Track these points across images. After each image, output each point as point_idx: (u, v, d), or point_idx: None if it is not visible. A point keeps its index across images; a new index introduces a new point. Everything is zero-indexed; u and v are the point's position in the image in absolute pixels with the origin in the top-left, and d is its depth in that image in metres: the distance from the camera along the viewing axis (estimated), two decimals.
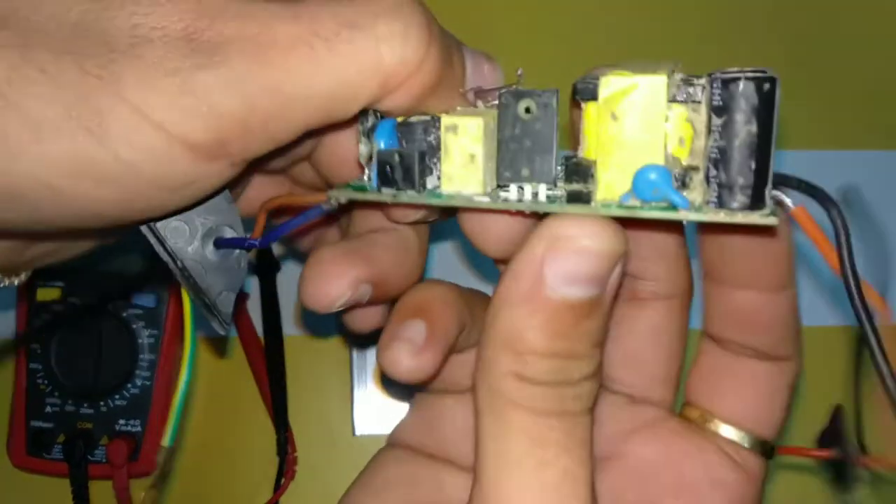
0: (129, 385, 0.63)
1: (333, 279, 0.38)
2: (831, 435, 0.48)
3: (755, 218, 0.30)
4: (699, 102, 0.31)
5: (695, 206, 0.31)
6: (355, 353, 0.69)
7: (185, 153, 0.30)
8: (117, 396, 0.63)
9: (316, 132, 0.34)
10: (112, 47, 0.30)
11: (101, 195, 0.31)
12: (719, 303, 0.41)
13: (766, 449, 0.42)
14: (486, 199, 0.33)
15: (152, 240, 0.37)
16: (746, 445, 0.41)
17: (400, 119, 0.34)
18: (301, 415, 0.67)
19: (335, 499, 0.41)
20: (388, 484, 0.42)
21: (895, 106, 0.71)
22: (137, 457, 0.62)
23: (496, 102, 0.34)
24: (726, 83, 0.30)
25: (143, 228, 0.36)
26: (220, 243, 0.39)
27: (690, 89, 0.31)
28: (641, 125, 0.31)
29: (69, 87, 0.29)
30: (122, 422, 0.63)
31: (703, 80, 0.31)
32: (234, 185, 0.39)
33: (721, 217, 0.31)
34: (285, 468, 0.64)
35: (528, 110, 0.32)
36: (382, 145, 0.34)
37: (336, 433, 0.69)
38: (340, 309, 0.39)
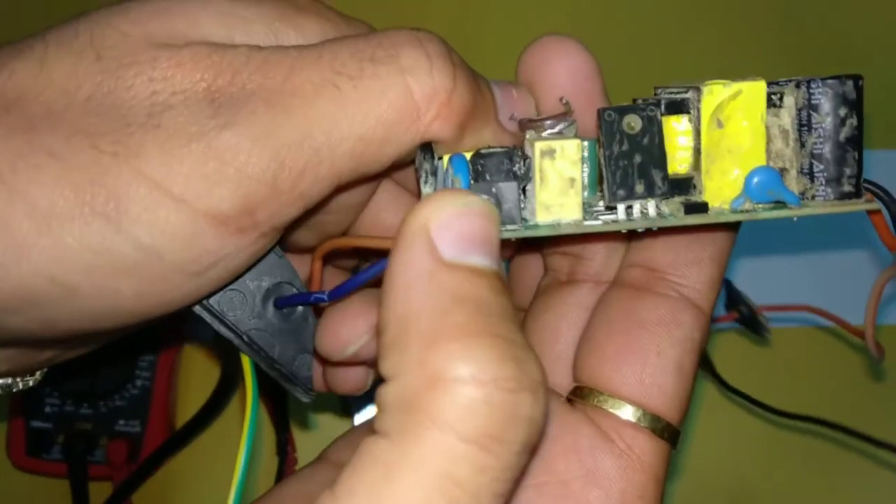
0: (129, 385, 0.61)
1: (347, 329, 0.35)
2: (732, 301, 0.58)
3: (863, 205, 0.32)
4: (779, 107, 0.32)
5: (804, 203, 0.32)
6: None
7: (210, 227, 0.28)
8: (117, 397, 0.61)
9: (348, 195, 0.32)
10: (129, 120, 0.28)
11: (120, 288, 0.28)
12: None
13: (666, 430, 0.33)
14: (597, 223, 0.31)
15: (208, 318, 0.33)
16: (643, 424, 0.33)
17: (469, 154, 0.31)
18: (300, 415, 0.66)
19: None
20: (283, 499, 0.37)
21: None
22: (137, 458, 0.61)
23: (553, 132, 0.33)
24: (827, 82, 0.31)
25: (197, 308, 0.33)
26: (282, 303, 0.35)
27: (773, 96, 0.31)
28: (747, 129, 0.31)
29: (80, 170, 0.27)
30: (121, 422, 0.61)
31: (783, 88, 0.32)
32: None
33: (831, 209, 0.31)
34: (285, 469, 0.63)
35: (630, 126, 0.30)
36: (462, 180, 0.31)
37: (336, 434, 0.67)
38: (353, 356, 0.36)
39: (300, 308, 0.36)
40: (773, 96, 0.31)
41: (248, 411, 0.34)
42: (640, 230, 0.31)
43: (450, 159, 0.31)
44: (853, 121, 0.31)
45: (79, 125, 0.27)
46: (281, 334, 0.35)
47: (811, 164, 0.31)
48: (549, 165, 0.31)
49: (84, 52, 0.29)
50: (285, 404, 0.63)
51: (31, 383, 0.37)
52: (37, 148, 0.27)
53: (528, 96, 0.36)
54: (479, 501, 0.25)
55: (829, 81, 0.31)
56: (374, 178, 0.32)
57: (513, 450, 0.25)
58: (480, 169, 0.31)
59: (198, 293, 0.31)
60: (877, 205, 0.32)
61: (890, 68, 0.69)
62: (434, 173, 0.32)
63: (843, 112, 0.31)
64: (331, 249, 0.35)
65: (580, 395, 0.34)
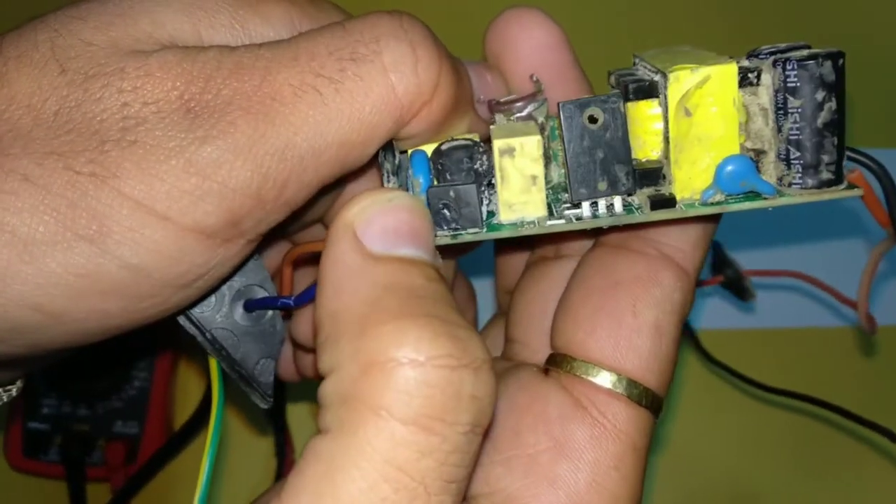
0: (126, 386, 0.61)
1: None
2: (719, 264, 0.56)
3: (843, 192, 0.30)
4: (756, 85, 0.30)
5: (780, 190, 0.30)
6: None
7: (197, 242, 0.27)
8: (114, 398, 0.61)
9: (329, 187, 0.30)
10: (102, 136, 0.27)
11: (107, 309, 0.28)
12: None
13: (644, 396, 0.31)
14: (560, 222, 0.30)
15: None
16: (618, 391, 0.31)
17: (427, 148, 0.31)
18: (298, 416, 0.65)
19: None
20: None
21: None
22: (135, 459, 0.60)
23: (522, 114, 0.32)
24: (803, 64, 0.29)
25: None
26: (251, 305, 0.34)
27: (749, 74, 0.30)
28: (717, 116, 0.29)
29: (59, 193, 0.26)
30: (119, 423, 0.61)
31: (761, 63, 0.30)
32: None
33: (808, 197, 0.30)
34: (284, 469, 0.62)
35: (592, 119, 0.29)
36: (422, 182, 0.30)
37: None
38: None
39: (270, 313, 0.35)
40: (749, 74, 0.29)
41: (213, 412, 0.34)
42: (605, 227, 0.30)
43: (410, 159, 0.30)
44: (832, 104, 0.29)
45: (50, 145, 0.26)
46: (246, 337, 0.35)
47: (787, 150, 0.29)
48: (508, 164, 0.30)
49: (46, 65, 0.28)
50: (283, 405, 0.63)
51: (14, 393, 0.36)
52: (8, 172, 0.26)
53: (500, 78, 0.35)
54: (428, 487, 0.24)
55: (806, 63, 0.28)
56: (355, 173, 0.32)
57: (458, 430, 0.25)
58: (441, 168, 0.30)
59: (186, 303, 0.30)
60: (857, 192, 0.30)
61: (890, 68, 0.68)
62: (396, 172, 0.31)
63: (820, 96, 0.29)
64: (300, 255, 0.35)
65: (554, 362, 0.33)
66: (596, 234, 0.34)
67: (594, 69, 0.36)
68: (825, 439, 0.63)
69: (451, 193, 0.29)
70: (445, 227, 0.30)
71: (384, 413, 0.24)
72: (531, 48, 0.35)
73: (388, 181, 0.31)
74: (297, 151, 0.27)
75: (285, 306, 0.34)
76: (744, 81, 0.29)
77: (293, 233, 0.39)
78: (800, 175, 0.29)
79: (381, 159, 0.31)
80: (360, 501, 0.24)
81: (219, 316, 0.34)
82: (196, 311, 0.33)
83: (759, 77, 0.30)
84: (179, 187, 0.26)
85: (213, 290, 0.33)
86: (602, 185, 0.29)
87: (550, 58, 0.35)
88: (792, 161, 0.29)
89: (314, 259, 0.35)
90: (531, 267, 0.38)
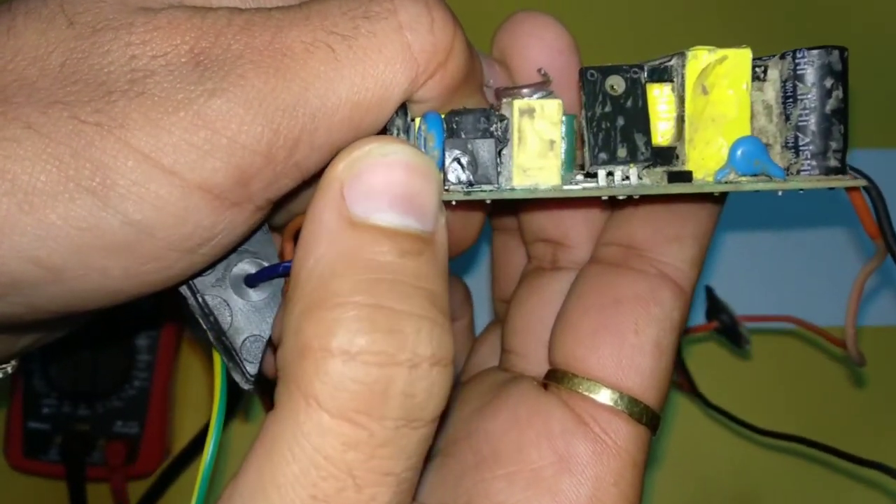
0: (127, 386, 0.61)
1: None
2: (713, 310, 0.56)
3: (848, 182, 0.31)
4: (763, 80, 0.31)
5: (790, 175, 0.31)
6: None
7: (204, 201, 0.26)
8: (115, 397, 0.61)
9: None
10: (109, 87, 0.26)
11: (109, 268, 0.27)
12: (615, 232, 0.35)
13: (644, 414, 0.32)
14: (576, 188, 0.30)
15: None
16: (620, 408, 0.32)
17: (442, 113, 0.30)
18: None
19: None
20: None
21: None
22: (135, 459, 0.60)
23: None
24: (812, 51, 0.30)
25: None
26: (253, 279, 0.33)
27: (756, 69, 0.31)
28: (732, 98, 0.30)
29: (62, 142, 0.25)
30: (119, 423, 0.61)
31: (768, 60, 0.31)
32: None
33: (816, 183, 0.30)
34: None
35: (613, 88, 0.30)
36: (436, 136, 0.29)
37: None
38: None
39: (269, 293, 0.34)
40: (756, 69, 0.31)
41: (216, 402, 0.34)
42: (620, 198, 0.31)
43: (423, 117, 0.30)
44: (839, 93, 0.30)
45: (55, 94, 0.26)
46: (240, 310, 0.33)
47: (796, 137, 0.30)
48: (528, 125, 0.30)
49: (54, 18, 0.27)
50: None
51: (9, 370, 0.35)
52: (11, 120, 0.25)
53: (508, 72, 0.35)
54: (357, 479, 0.24)
55: (815, 51, 0.30)
56: None
57: (387, 425, 0.25)
58: (455, 127, 0.30)
59: (190, 271, 0.29)
60: (861, 182, 0.31)
61: (890, 68, 0.69)
62: (406, 130, 0.30)
63: (828, 83, 0.30)
64: (300, 227, 0.34)
65: (555, 378, 0.33)
66: (612, 205, 0.35)
67: None
68: (825, 478, 0.64)
69: (469, 146, 0.29)
70: (458, 183, 0.30)
71: (313, 402, 0.24)
72: (540, 49, 0.35)
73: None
74: (308, 108, 0.27)
75: (287, 271, 0.32)
76: (752, 76, 0.30)
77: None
78: (808, 161, 0.30)
79: (391, 122, 0.30)
80: (293, 485, 0.24)
81: (214, 282, 0.33)
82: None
83: (765, 72, 0.31)
84: (188, 140, 0.26)
85: (219, 259, 0.31)
86: (622, 153, 0.30)
87: (559, 61, 0.35)
88: (801, 148, 0.30)
89: None
90: (528, 277, 0.38)
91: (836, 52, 0.30)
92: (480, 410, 0.34)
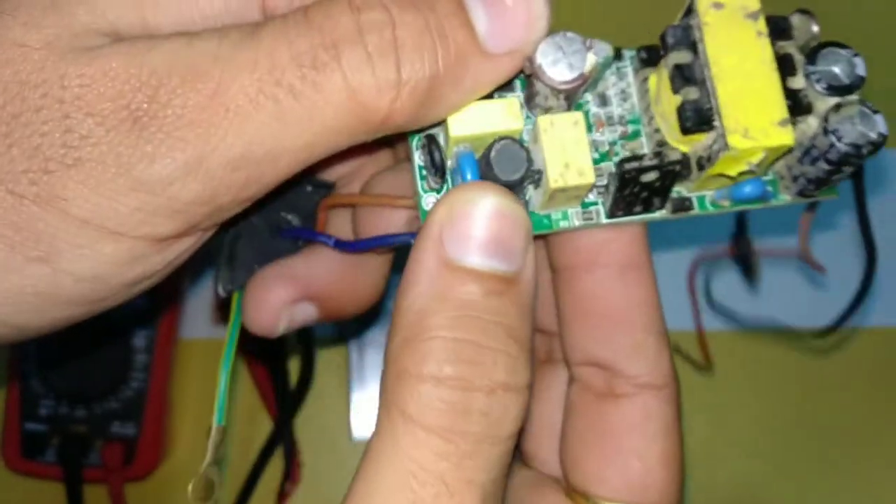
0: (124, 387, 0.61)
1: (265, 304, 0.37)
2: (739, 239, 0.61)
3: (824, 195, 0.33)
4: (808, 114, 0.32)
5: (778, 196, 0.33)
6: (354, 356, 0.66)
7: (152, 247, 0.28)
8: (111, 399, 0.61)
9: (350, 152, 0.31)
10: (45, 153, 0.26)
11: (71, 315, 0.29)
12: (572, 300, 0.35)
13: None
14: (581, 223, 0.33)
15: None
16: None
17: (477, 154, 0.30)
18: (297, 418, 0.66)
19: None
20: None
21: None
22: (132, 460, 0.60)
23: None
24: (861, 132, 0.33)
25: None
26: (287, 234, 0.36)
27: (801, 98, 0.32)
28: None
29: (3, 218, 0.26)
30: (116, 425, 0.61)
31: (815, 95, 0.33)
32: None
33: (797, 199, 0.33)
34: (291, 472, 0.63)
35: (645, 181, 0.31)
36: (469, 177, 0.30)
37: (334, 437, 0.66)
38: (290, 330, 0.38)
39: (286, 242, 0.38)
40: (801, 98, 0.32)
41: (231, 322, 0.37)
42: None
43: (457, 156, 0.30)
44: (850, 169, 0.32)
45: None
46: (259, 238, 0.37)
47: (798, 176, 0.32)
48: (561, 195, 0.31)
49: None
50: (289, 408, 0.63)
51: None
52: None
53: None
54: (449, 486, 0.27)
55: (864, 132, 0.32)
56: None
57: (469, 440, 0.27)
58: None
59: (152, 286, 0.31)
60: (833, 195, 0.34)
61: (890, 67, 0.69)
62: (434, 165, 0.31)
63: (847, 170, 0.32)
64: (335, 204, 0.37)
65: (575, 493, 0.35)
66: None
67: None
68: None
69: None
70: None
71: (408, 419, 0.27)
72: None
73: (423, 179, 0.32)
74: (252, 158, 0.27)
75: (324, 242, 0.36)
76: (797, 109, 0.31)
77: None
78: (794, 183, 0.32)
79: (419, 157, 0.31)
80: (396, 494, 0.27)
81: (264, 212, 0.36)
82: None
83: (810, 107, 0.32)
84: (128, 205, 0.26)
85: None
86: (638, 209, 0.32)
87: None
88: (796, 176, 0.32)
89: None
90: None
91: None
92: None
